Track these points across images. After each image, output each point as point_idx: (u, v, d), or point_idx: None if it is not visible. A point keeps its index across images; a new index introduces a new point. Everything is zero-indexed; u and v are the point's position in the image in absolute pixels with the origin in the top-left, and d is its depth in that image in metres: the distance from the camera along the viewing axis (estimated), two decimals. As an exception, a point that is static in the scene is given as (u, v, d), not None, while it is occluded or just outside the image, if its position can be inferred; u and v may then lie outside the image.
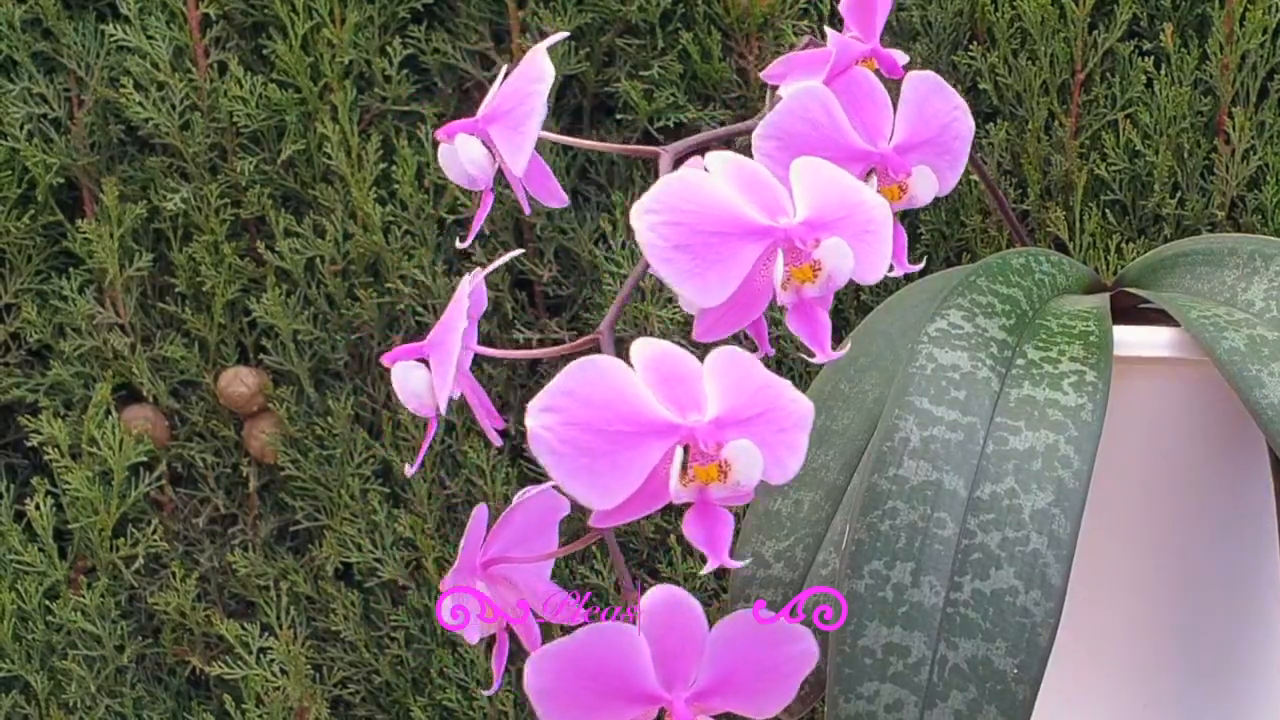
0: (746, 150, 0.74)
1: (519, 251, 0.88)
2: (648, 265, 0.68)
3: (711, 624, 0.68)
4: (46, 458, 1.21)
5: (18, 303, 1.23)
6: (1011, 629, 0.70)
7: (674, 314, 1.15)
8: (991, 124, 1.17)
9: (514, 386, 1.22)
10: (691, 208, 0.68)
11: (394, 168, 1.19)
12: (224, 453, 1.24)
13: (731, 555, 0.67)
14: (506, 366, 1.21)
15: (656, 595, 0.68)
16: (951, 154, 0.81)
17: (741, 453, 0.66)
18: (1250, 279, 0.82)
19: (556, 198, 0.81)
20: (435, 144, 0.83)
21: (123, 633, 1.22)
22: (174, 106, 1.20)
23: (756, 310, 0.71)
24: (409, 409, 0.74)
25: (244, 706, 1.21)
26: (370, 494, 1.21)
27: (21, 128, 1.21)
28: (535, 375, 1.22)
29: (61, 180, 1.22)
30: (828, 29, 0.80)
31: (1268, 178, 1.13)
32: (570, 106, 1.22)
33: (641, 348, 0.67)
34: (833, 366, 0.89)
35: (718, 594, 1.18)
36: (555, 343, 1.19)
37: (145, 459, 1.21)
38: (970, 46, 1.17)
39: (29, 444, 1.23)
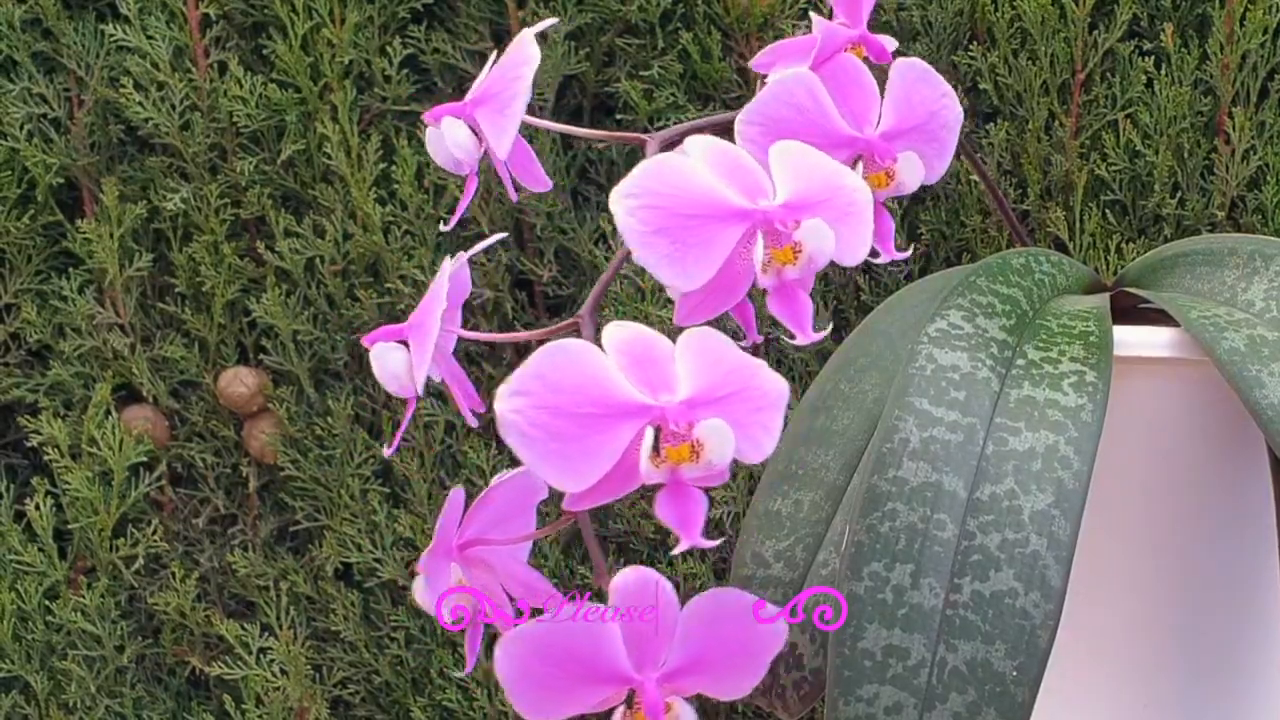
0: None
1: (503, 235, 0.88)
2: (629, 252, 0.68)
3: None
4: (46, 458, 1.21)
5: (18, 303, 1.23)
6: (1011, 631, 0.70)
7: (667, 318, 1.15)
8: (991, 124, 1.16)
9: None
10: (670, 191, 0.68)
11: (394, 168, 1.19)
12: (224, 453, 1.24)
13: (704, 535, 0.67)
14: (506, 368, 1.21)
15: (628, 576, 0.68)
16: (939, 142, 0.81)
17: (713, 432, 0.66)
18: (1250, 279, 0.82)
19: (540, 182, 0.81)
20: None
21: (123, 633, 1.22)
22: (174, 106, 1.20)
23: (738, 294, 0.71)
24: (388, 390, 0.75)
25: (244, 707, 1.21)
26: (370, 494, 1.21)
27: (21, 128, 1.21)
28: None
29: (61, 180, 1.22)
30: (813, 15, 0.80)
31: (1268, 178, 1.13)
32: (570, 106, 1.22)
33: (613, 331, 0.67)
34: (833, 366, 0.89)
35: (718, 594, 1.18)
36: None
37: (145, 459, 1.21)
38: (970, 46, 1.17)
39: (29, 444, 1.23)
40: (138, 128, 1.21)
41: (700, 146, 0.70)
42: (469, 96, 0.78)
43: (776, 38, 1.17)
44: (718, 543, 0.67)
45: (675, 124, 1.19)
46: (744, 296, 0.71)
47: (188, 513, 1.25)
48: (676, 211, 0.68)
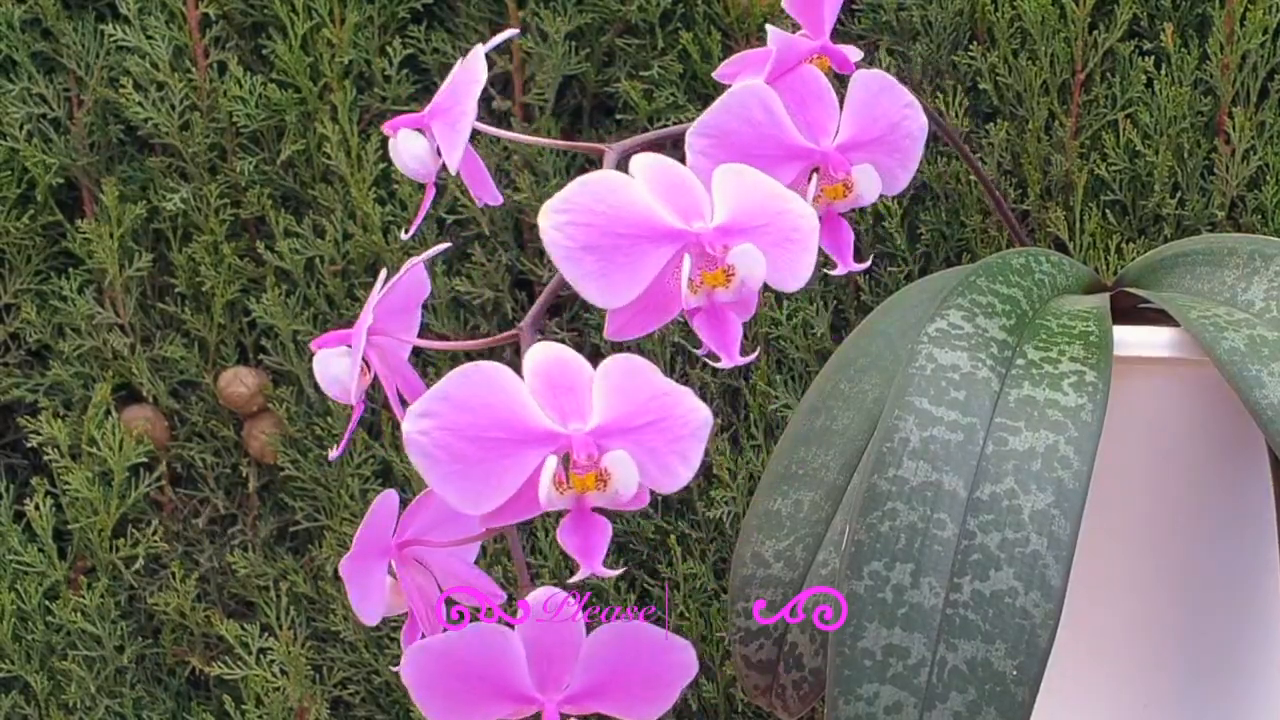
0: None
1: (446, 246, 0.88)
2: None
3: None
4: (46, 458, 1.21)
5: (17, 303, 1.23)
6: (1011, 630, 0.70)
7: (668, 329, 1.15)
8: (991, 124, 1.16)
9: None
10: (603, 209, 0.68)
11: (394, 168, 1.19)
12: (224, 453, 1.24)
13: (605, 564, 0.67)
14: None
15: (536, 597, 0.68)
16: (902, 152, 0.80)
17: (618, 464, 0.66)
18: (1250, 279, 0.82)
19: (491, 194, 0.81)
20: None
21: (122, 633, 1.22)
22: (174, 106, 1.20)
23: (670, 312, 0.70)
24: (330, 395, 0.75)
25: (244, 707, 1.21)
26: (370, 494, 1.21)
27: (21, 128, 1.21)
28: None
29: (61, 180, 1.22)
30: (769, 27, 0.80)
31: (1268, 178, 1.13)
32: (570, 106, 1.22)
33: (535, 352, 0.67)
34: (833, 366, 0.89)
35: (717, 594, 1.18)
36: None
37: (145, 459, 1.21)
38: (970, 46, 1.17)
39: (29, 444, 1.23)
40: (137, 128, 1.21)
41: (641, 164, 0.70)
42: (428, 108, 0.78)
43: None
44: (619, 572, 0.68)
45: (675, 124, 1.19)
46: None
47: (188, 513, 1.25)
48: (607, 230, 0.68)
